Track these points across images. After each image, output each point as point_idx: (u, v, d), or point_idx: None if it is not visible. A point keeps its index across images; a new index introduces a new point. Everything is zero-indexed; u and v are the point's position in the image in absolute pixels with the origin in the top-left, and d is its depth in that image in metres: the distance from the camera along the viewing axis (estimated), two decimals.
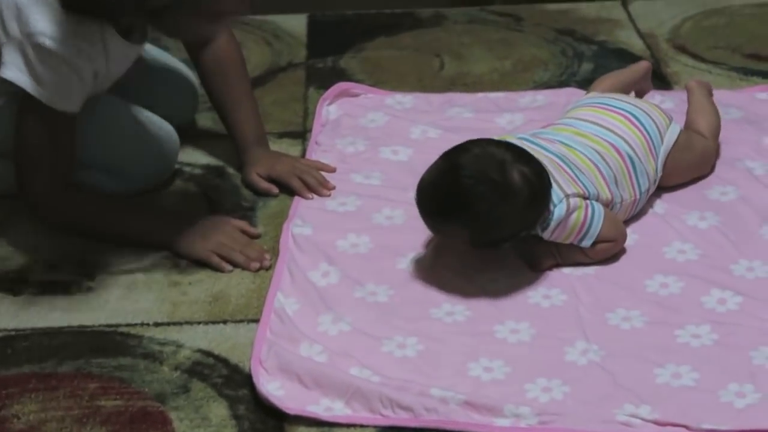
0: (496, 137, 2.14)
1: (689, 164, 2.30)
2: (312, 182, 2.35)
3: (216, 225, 2.21)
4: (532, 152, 2.07)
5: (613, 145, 2.18)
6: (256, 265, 2.16)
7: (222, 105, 2.43)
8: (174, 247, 2.19)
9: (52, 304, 2.09)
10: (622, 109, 2.25)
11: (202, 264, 2.17)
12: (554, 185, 2.04)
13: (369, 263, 2.13)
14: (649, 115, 2.25)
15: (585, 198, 2.08)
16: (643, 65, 2.49)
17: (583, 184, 2.09)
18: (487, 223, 1.99)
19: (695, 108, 2.40)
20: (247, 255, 2.17)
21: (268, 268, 2.15)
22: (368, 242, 2.19)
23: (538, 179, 2.00)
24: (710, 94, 2.45)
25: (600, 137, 2.19)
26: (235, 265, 2.16)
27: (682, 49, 2.92)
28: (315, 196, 2.33)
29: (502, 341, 1.94)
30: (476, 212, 1.98)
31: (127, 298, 2.10)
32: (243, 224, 2.24)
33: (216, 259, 2.16)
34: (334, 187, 2.36)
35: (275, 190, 2.37)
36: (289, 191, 2.36)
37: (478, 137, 2.11)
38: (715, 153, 2.36)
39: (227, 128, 2.44)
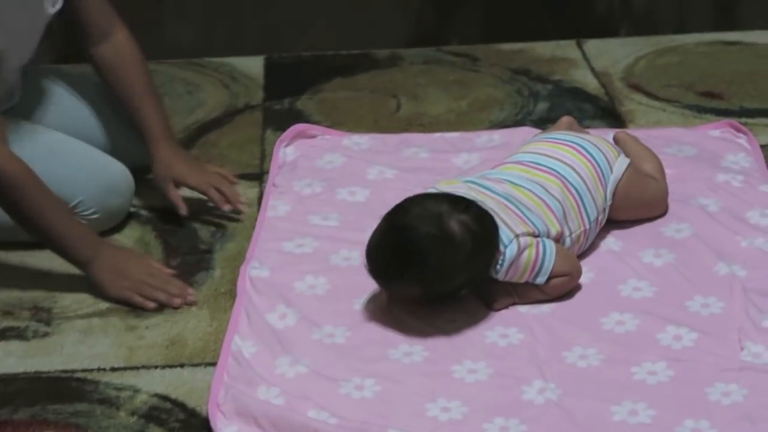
0: (443, 182, 2.18)
1: (642, 201, 2.31)
2: (230, 194, 2.41)
3: (134, 264, 2.22)
4: (478, 195, 2.10)
5: (559, 177, 2.19)
6: (178, 301, 2.17)
7: (126, 99, 2.46)
8: (95, 282, 2.19)
9: (7, 351, 2.08)
10: (570, 141, 2.28)
11: (159, 307, 2.17)
12: (503, 226, 2.06)
13: (326, 305, 2.13)
14: (597, 147, 2.28)
15: (535, 236, 2.10)
16: (564, 120, 2.50)
17: (532, 222, 2.11)
18: (437, 276, 2.02)
19: (634, 154, 2.40)
20: (169, 292, 2.17)
21: (193, 304, 2.18)
22: (325, 284, 2.19)
23: (479, 225, 2.02)
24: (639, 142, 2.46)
25: (547, 168, 2.21)
26: (158, 303, 2.17)
27: (637, 88, 2.95)
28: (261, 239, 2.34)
29: (459, 381, 1.94)
30: (423, 268, 2.00)
31: (84, 343, 2.09)
32: (159, 264, 2.25)
33: (138, 299, 2.17)
34: (246, 201, 2.44)
35: (184, 210, 2.40)
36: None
37: (428, 187, 2.16)
38: (666, 195, 2.37)
39: (134, 123, 2.46)
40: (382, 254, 2.04)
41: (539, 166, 2.21)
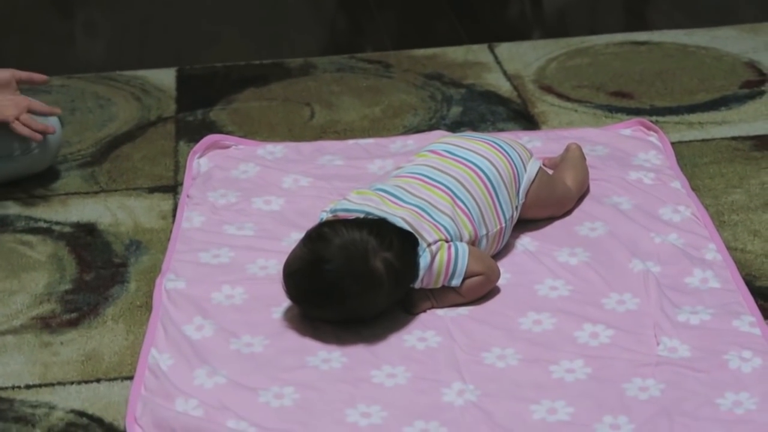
0: (355, 191, 2.17)
1: (547, 202, 2.33)
2: (38, 126, 2.49)
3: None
4: (390, 207, 2.10)
5: (477, 171, 2.20)
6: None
7: None
8: None
9: None
10: (484, 138, 2.30)
11: (74, 323, 2.14)
12: (417, 237, 2.06)
13: (244, 315, 2.12)
14: (511, 146, 2.29)
15: (447, 241, 2.10)
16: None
17: (445, 228, 2.11)
18: (358, 309, 2.03)
19: (569, 163, 2.42)
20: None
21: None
22: (243, 293, 2.18)
23: (403, 260, 2.02)
24: (584, 159, 2.47)
25: (463, 160, 2.22)
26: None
27: (548, 90, 2.97)
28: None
29: (378, 386, 1.94)
30: (345, 303, 2.01)
31: None
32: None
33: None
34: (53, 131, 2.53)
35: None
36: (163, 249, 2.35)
37: (343, 195, 2.18)
38: (573, 202, 2.38)
39: None
40: (303, 284, 2.03)
41: (455, 157, 2.22)
